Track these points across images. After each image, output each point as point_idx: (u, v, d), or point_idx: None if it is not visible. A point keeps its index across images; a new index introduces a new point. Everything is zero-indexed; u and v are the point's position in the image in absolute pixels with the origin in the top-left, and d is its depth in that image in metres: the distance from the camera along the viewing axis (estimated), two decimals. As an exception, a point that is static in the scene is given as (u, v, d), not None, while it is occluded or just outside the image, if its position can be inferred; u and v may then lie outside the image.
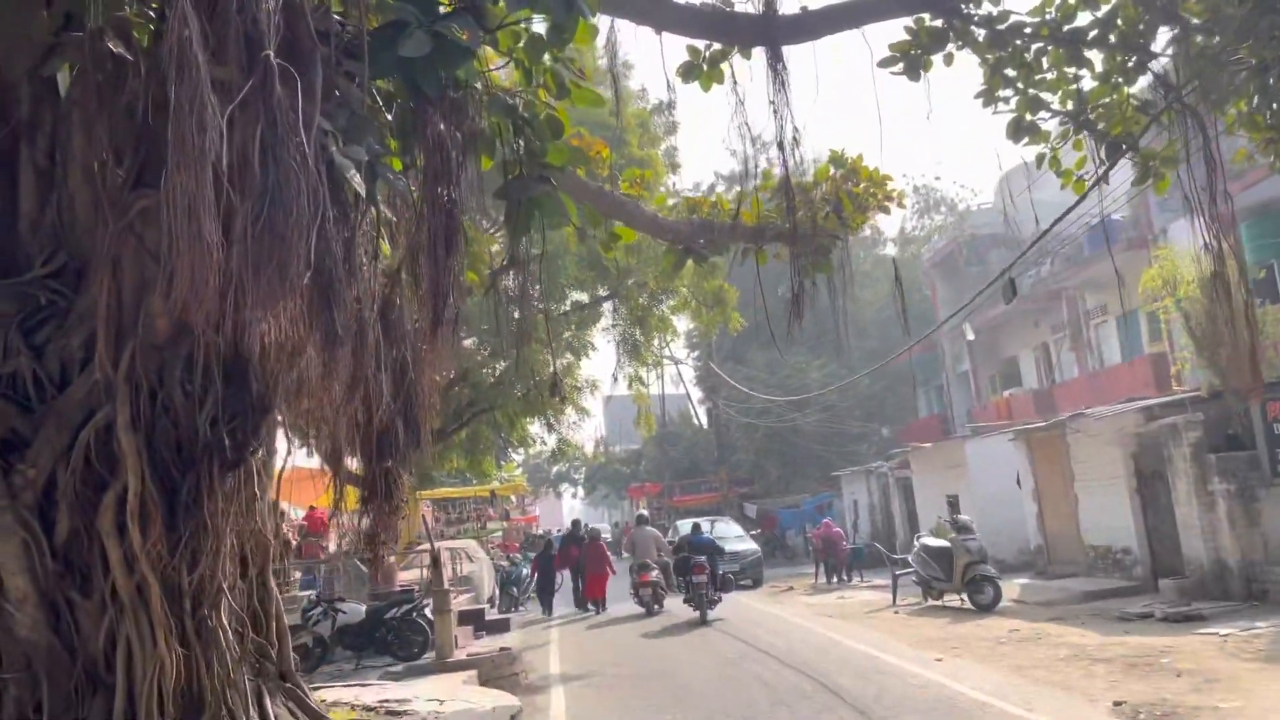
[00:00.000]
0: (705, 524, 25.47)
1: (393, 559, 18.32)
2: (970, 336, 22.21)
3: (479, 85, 5.08)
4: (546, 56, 5.19)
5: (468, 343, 16.82)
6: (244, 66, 3.36)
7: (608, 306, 20.09)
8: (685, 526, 24.65)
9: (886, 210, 11.55)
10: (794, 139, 8.07)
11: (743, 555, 23.82)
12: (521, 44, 5.12)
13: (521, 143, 5.43)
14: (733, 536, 24.91)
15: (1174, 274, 13.67)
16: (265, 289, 2.99)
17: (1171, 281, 13.63)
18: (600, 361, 73.12)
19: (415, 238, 5.29)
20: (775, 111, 7.97)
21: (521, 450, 44.97)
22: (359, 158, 4.22)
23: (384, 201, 5.17)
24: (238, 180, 3.10)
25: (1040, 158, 9.76)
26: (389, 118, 4.97)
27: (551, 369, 14.87)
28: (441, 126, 4.92)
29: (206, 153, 2.79)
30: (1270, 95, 8.28)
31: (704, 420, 47.90)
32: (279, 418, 5.87)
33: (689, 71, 8.76)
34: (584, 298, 19.78)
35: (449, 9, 4.71)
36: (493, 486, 30.73)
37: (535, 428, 22.47)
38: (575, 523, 26.07)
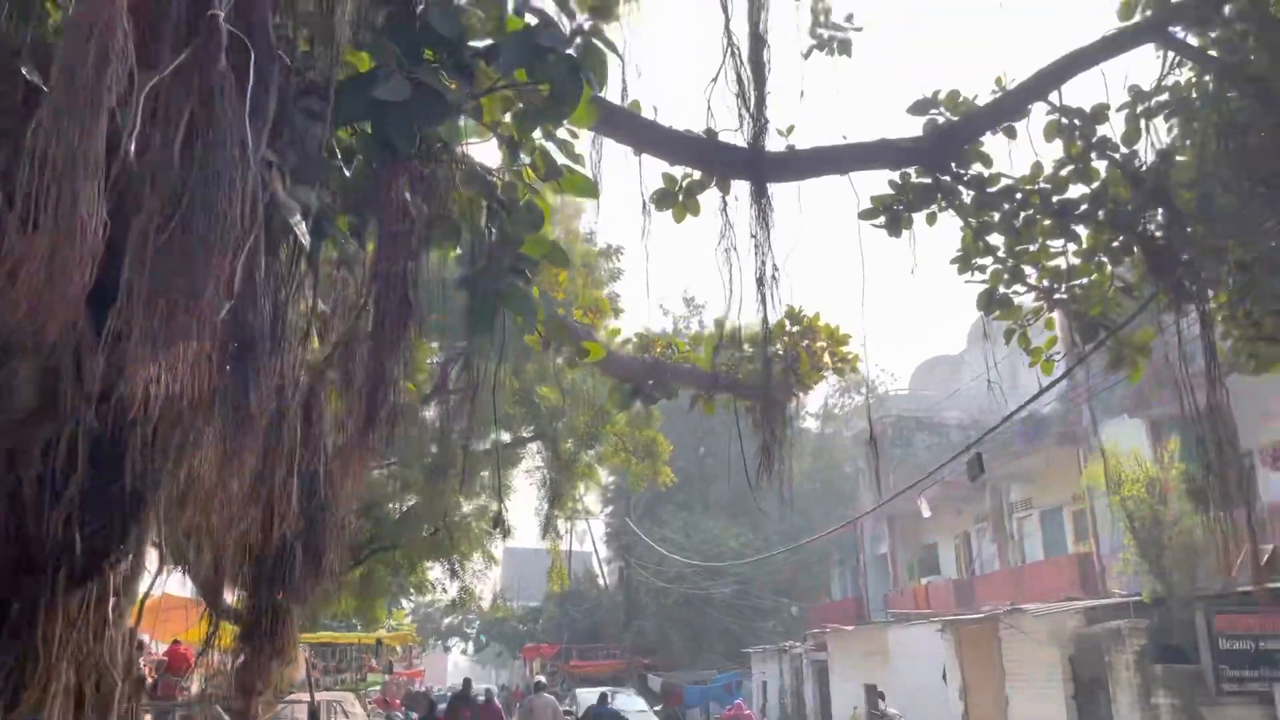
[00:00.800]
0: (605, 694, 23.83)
1: (262, 709, 16.36)
2: (926, 514, 21.67)
3: (456, 152, 4.35)
4: (538, 133, 4.51)
5: (376, 473, 15.59)
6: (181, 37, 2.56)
7: (532, 448, 19.13)
8: (586, 695, 22.95)
9: (841, 372, 11.02)
10: (773, 277, 7.52)
11: (641, 732, 22.17)
12: (510, 116, 4.45)
13: (494, 230, 4.69)
14: (634, 711, 23.27)
15: (1118, 472, 13.40)
16: (162, 321, 2.11)
17: (1116, 479, 13.34)
18: (514, 508, 71.07)
19: (355, 321, 4.43)
20: (757, 247, 7.44)
21: (415, 597, 42.64)
22: (307, 202, 3.40)
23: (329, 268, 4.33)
24: (149, 169, 2.25)
25: (1010, 333, 9.41)
26: (345, 174, 4.19)
27: (498, 503, 13.75)
28: (408, 192, 4.17)
29: (103, 91, 1.95)
30: (1250, 291, 8.09)
31: (611, 581, 46.16)
32: (154, 527, 4.79)
33: (663, 199, 8.25)
34: (506, 436, 18.79)
35: (434, 62, 4.04)
36: (379, 634, 28.56)
37: (436, 572, 20.96)
38: (466, 681, 23.96)
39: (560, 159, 4.56)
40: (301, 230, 3.34)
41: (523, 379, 15.85)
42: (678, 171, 8.32)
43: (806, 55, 8.96)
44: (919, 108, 8.09)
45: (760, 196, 7.75)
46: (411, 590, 25.51)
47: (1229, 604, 11.87)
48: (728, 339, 9.98)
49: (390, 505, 18.97)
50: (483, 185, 4.54)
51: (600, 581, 47.48)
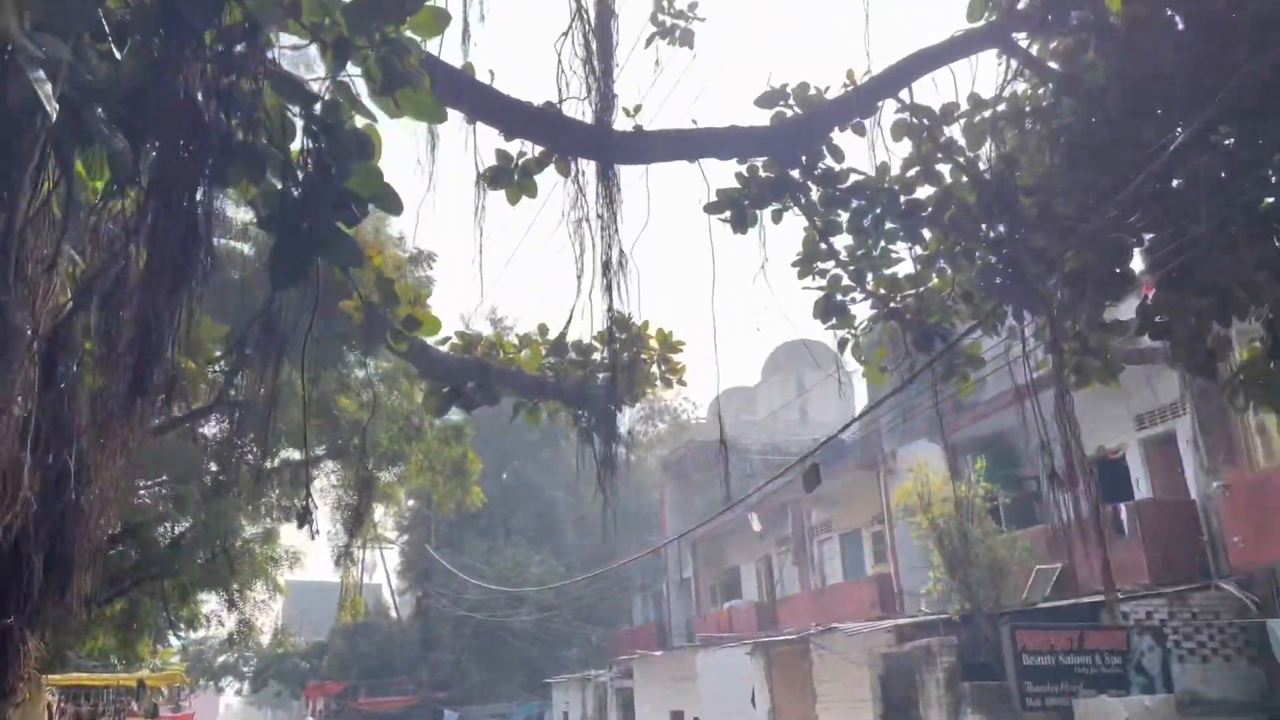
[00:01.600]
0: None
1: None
2: (757, 527, 21.51)
3: (266, 42, 3.47)
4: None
5: (144, 492, 13.78)
6: None
7: (326, 466, 17.60)
8: None
9: (669, 384, 10.52)
10: (620, 264, 6.89)
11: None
12: (340, 13, 3.61)
13: (311, 157, 3.81)
14: (430, 749, 21.88)
15: (926, 492, 13.62)
16: None
17: (925, 499, 13.56)
18: (300, 535, 66.81)
19: (119, 253, 3.46)
20: (604, 231, 6.80)
21: (185, 633, 38.99)
22: (56, 57, 2.46)
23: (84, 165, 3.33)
24: None
25: (844, 343, 9.20)
26: (115, 55, 3.20)
27: (305, 497, 12.35)
28: (199, 91, 3.26)
29: None
30: (1078, 304, 8.19)
31: (405, 613, 44.01)
32: None
33: (497, 178, 7.48)
34: (295, 454, 17.20)
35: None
36: (141, 675, 25.67)
37: (212, 604, 18.95)
38: None
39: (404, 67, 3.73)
40: (46, 94, 2.39)
41: (320, 388, 14.49)
42: (513, 147, 7.61)
43: (647, 43, 8.46)
44: (767, 100, 7.70)
45: (607, 177, 7.12)
46: (182, 625, 23.04)
47: (1030, 620, 12.20)
48: (555, 343, 9.28)
49: (160, 529, 16.98)
50: (299, 94, 3.65)
51: (393, 613, 45.23)
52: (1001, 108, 7.63)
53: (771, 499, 25.95)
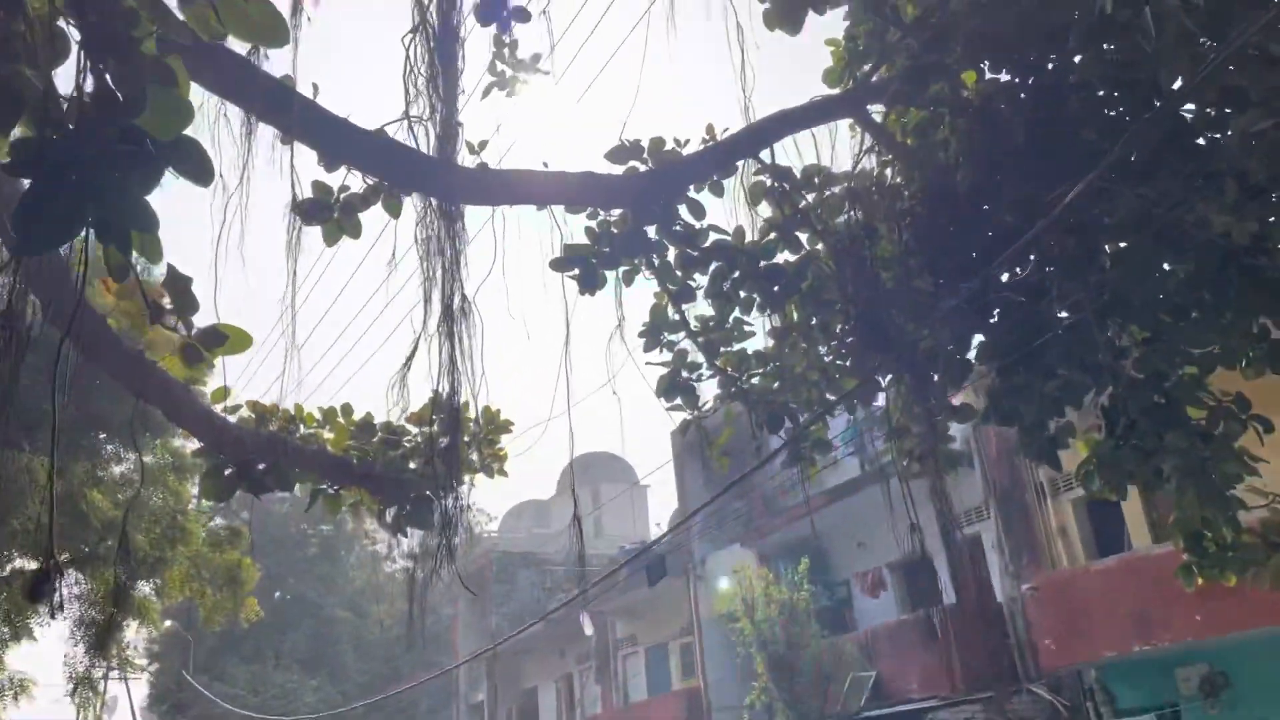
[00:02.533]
0: None
1: None
2: (589, 631, 19.97)
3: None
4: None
5: None
6: None
7: (70, 576, 14.98)
8: None
9: (491, 473, 9.50)
10: (463, 310, 5.97)
11: None
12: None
13: (93, 81, 2.76)
14: None
15: (750, 595, 13.05)
16: None
17: (750, 604, 12.97)
18: (32, 657, 58.32)
19: None
20: (446, 271, 5.90)
21: None
22: None
23: None
24: None
25: (686, 425, 8.58)
26: None
27: (49, 556, 10.08)
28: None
29: None
30: (932, 391, 7.94)
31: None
32: None
33: (312, 211, 6.45)
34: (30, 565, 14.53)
35: None
36: None
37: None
38: None
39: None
40: None
41: (69, 479, 12.37)
42: (335, 179, 6.64)
43: (484, 95, 7.79)
44: (619, 155, 7.13)
45: (449, 216, 6.24)
46: None
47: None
48: (362, 424, 8.12)
49: None
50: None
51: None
52: (854, 183, 7.37)
53: (572, 613, 24.74)
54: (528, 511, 56.94)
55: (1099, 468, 6.75)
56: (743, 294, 7.34)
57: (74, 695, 15.55)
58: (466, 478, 9.13)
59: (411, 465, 8.11)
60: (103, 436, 14.14)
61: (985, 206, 6.61)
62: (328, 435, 8.04)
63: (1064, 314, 6.58)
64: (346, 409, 8.14)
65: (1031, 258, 6.62)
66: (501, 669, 28.66)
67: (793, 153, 7.06)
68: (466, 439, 8.66)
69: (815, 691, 12.19)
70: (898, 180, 7.30)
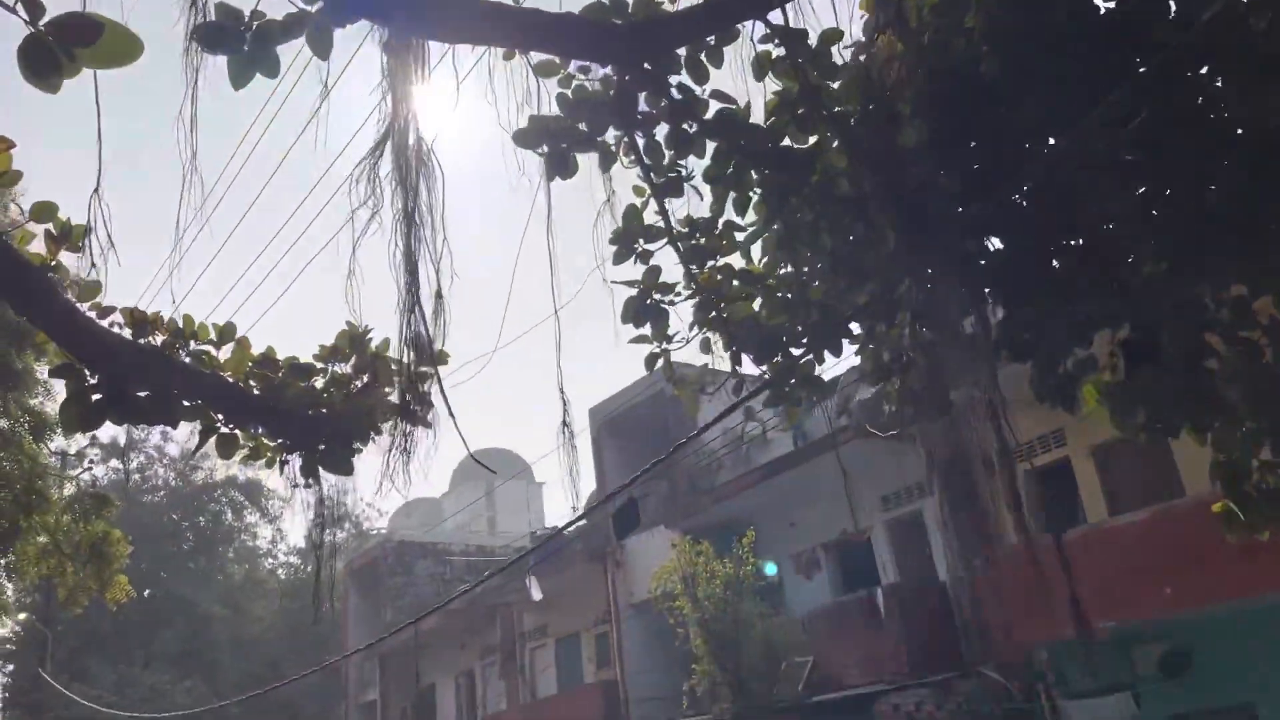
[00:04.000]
0: None
1: None
2: (537, 596, 18.27)
3: None
4: None
5: None
6: None
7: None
8: None
9: (414, 419, 8.11)
10: (417, 170, 4.64)
11: None
12: None
13: None
14: None
15: (694, 569, 11.94)
16: None
17: (689, 580, 11.86)
18: None
19: None
20: (392, 130, 4.57)
21: None
22: None
23: None
24: None
25: (653, 358, 7.31)
26: None
27: None
28: None
29: None
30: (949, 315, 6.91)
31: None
32: None
33: (215, 37, 5.00)
34: None
35: None
36: None
37: None
38: None
39: None
40: None
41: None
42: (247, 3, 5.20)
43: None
44: (595, 9, 5.86)
45: (405, 49, 4.90)
46: None
47: (814, 715, 10.67)
48: (263, 357, 6.58)
49: None
50: None
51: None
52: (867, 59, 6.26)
53: (476, 604, 23.20)
54: (418, 509, 54.80)
55: (1130, 405, 5.80)
56: (749, 178, 6.20)
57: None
58: (384, 424, 7.65)
59: (322, 408, 6.61)
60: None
61: (1010, 105, 5.62)
62: (226, 359, 6.43)
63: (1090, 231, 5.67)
64: (244, 341, 6.48)
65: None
66: (395, 666, 26.88)
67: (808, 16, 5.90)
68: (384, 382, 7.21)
69: (760, 673, 11.17)
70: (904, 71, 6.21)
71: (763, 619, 11.73)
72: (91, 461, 26.25)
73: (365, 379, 6.95)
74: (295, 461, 7.41)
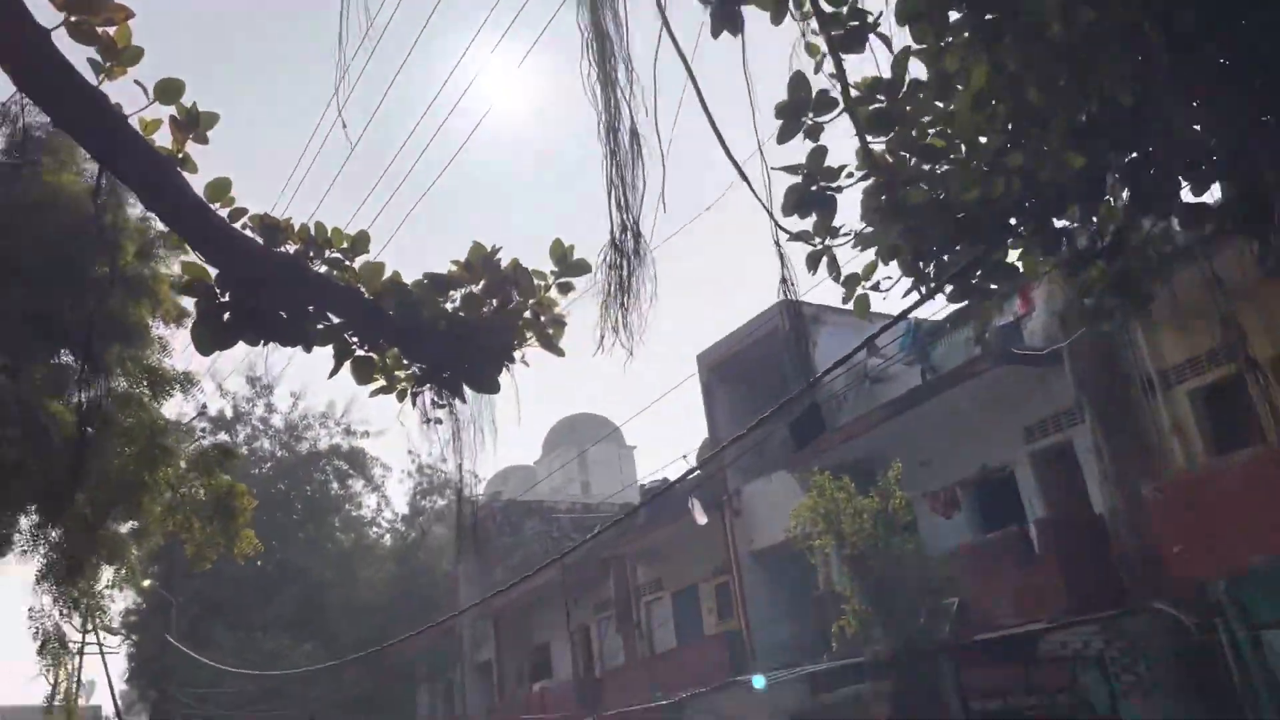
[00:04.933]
0: None
1: None
2: (701, 519, 17.62)
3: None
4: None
5: None
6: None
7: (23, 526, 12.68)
8: None
9: (551, 346, 7.41)
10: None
11: None
12: None
13: None
14: None
15: (834, 508, 11.19)
16: None
17: (833, 515, 11.11)
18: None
19: None
20: None
21: None
22: None
23: None
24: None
25: (815, 256, 6.48)
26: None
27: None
28: None
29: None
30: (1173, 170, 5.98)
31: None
32: None
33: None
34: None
35: None
36: None
37: None
38: None
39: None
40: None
41: (22, 384, 10.23)
42: None
43: None
44: None
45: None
46: None
47: (968, 657, 9.90)
48: (395, 283, 5.92)
49: None
50: None
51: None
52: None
53: (587, 559, 22.84)
54: (513, 476, 55.05)
55: None
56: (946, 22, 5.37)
57: (42, 652, 13.47)
58: (525, 346, 6.99)
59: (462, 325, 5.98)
60: (66, 356, 12.00)
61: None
62: (362, 269, 5.80)
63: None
64: (367, 243, 5.84)
65: None
66: (509, 625, 26.82)
67: None
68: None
69: (928, 614, 10.42)
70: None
71: (916, 554, 10.96)
72: (202, 433, 26.60)
73: (495, 302, 6.33)
74: (427, 395, 6.88)
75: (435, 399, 7.47)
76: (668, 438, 58.91)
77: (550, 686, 23.73)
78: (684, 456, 20.96)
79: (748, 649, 17.71)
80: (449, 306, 5.98)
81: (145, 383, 12.35)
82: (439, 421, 7.38)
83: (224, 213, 5.00)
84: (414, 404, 7.22)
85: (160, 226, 12.10)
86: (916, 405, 14.96)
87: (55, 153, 11.28)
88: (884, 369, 16.71)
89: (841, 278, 6.62)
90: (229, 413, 38.25)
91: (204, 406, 22.42)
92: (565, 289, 5.73)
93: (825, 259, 6.42)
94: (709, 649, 18.64)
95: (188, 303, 13.83)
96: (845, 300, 6.78)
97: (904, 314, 7.26)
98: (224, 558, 30.78)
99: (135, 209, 11.21)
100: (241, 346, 4.95)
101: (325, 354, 5.34)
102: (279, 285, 5.24)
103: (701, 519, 16.82)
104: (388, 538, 42.08)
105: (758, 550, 18.47)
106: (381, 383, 6.62)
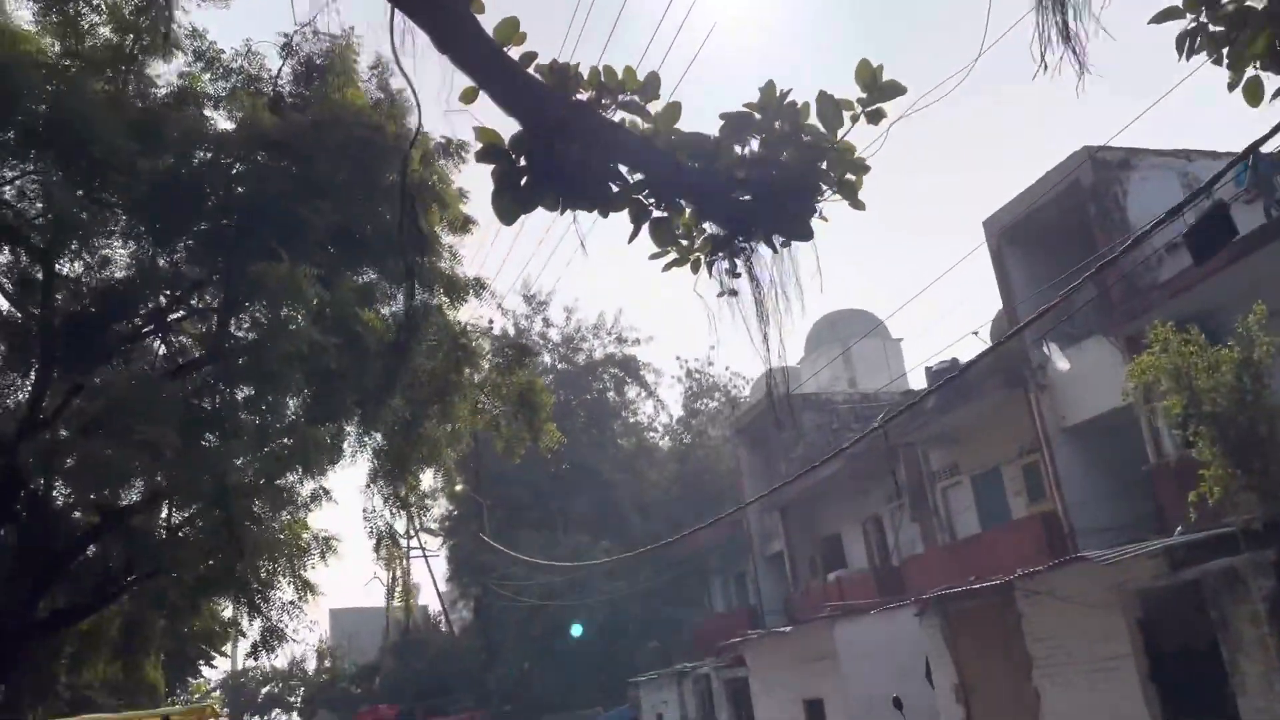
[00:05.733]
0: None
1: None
2: (1064, 365, 16.53)
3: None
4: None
5: (108, 450, 10.03)
6: None
7: (350, 433, 13.60)
8: None
9: (853, 199, 6.56)
10: None
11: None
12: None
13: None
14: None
15: (1182, 362, 9.73)
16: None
17: (1182, 373, 9.66)
18: (334, 517, 63.18)
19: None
20: None
21: (219, 660, 35.48)
22: None
23: None
24: None
25: (1186, 37, 5.21)
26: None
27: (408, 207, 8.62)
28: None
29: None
30: None
31: (456, 627, 40.43)
32: None
33: None
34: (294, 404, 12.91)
35: None
36: (167, 710, 22.20)
37: (230, 613, 15.35)
38: None
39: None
40: None
41: (337, 293, 10.81)
42: None
43: None
44: None
45: None
46: (200, 642, 19.45)
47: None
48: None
49: (157, 519, 13.47)
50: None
51: (443, 628, 41.68)
52: None
53: (874, 448, 21.98)
54: (777, 376, 54.50)
55: None
56: None
57: (378, 549, 14.66)
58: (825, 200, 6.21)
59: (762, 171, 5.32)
60: (368, 270, 12.62)
61: None
62: (658, 115, 5.23)
63: None
64: (658, 86, 5.24)
65: None
66: (797, 517, 26.65)
67: None
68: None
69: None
70: None
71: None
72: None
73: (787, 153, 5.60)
74: (722, 264, 6.40)
75: (731, 267, 6.94)
76: (937, 326, 55.97)
77: (845, 576, 23.36)
78: (974, 333, 19.49)
79: (1065, 530, 16.40)
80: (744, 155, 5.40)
81: (442, 290, 12.78)
82: (735, 293, 6.88)
83: (515, 54, 4.61)
84: (710, 273, 6.73)
85: (439, 135, 12.31)
86: (1266, 245, 12.84)
87: (338, 73, 11.64)
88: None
89: (1225, 58, 5.40)
90: (510, 330, 40.26)
91: (490, 322, 23.43)
92: (876, 117, 4.90)
93: (1200, 37, 5.24)
94: (1019, 532, 17.44)
95: (472, 210, 14.08)
96: (1231, 87, 5.54)
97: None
98: (524, 466, 32.54)
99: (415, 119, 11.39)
100: (530, 234, 4.55)
101: (602, 252, 4.87)
102: (574, 135, 4.79)
103: (1063, 364, 15.28)
104: (666, 439, 43.10)
105: (1070, 426, 16.94)
106: (674, 255, 6.20)
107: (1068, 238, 17.29)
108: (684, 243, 6.37)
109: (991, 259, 18.86)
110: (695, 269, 6.39)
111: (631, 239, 6.31)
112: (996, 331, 19.53)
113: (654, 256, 6.35)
